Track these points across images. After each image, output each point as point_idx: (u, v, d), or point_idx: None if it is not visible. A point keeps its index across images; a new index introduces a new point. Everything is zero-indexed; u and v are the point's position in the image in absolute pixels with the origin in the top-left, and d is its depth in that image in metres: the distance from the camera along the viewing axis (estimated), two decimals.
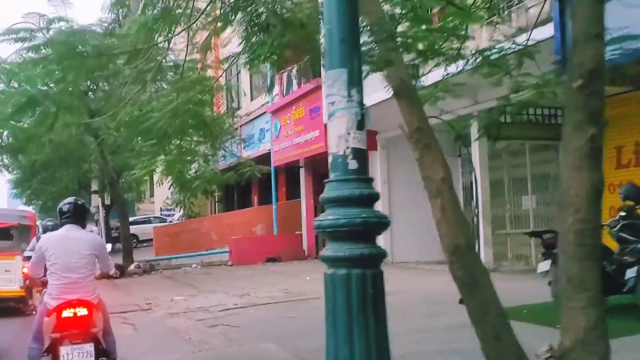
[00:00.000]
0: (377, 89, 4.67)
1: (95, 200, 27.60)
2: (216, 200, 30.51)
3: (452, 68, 5.06)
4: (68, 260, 4.80)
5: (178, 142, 10.94)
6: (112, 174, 17.91)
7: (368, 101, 3.53)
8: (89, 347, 4.62)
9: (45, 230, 8.12)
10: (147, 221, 35.43)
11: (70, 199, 5.18)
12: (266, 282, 13.64)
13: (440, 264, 15.24)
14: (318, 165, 19.28)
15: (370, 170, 16.57)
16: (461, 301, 3.85)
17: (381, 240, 15.40)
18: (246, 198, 30.76)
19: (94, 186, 27.31)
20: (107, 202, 27.98)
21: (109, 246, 5.77)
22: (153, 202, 54.09)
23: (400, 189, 16.54)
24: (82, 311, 4.68)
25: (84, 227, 5.11)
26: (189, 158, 12.78)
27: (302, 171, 20.43)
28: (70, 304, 4.68)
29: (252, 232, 22.20)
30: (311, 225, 20.93)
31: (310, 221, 20.00)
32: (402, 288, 10.10)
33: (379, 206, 16.32)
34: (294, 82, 18.13)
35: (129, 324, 8.95)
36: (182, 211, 36.76)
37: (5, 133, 17.94)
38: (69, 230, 4.95)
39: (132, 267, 17.58)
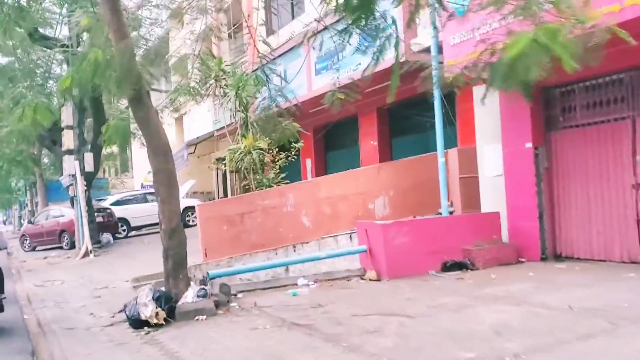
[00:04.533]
0: None
1: (70, 165, 16.91)
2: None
3: None
4: None
5: None
6: (137, 77, 7.22)
7: None
8: None
9: None
10: (138, 199, 24.49)
11: None
12: None
13: None
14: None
15: None
16: None
17: None
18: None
19: (67, 142, 16.65)
20: (89, 167, 17.41)
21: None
22: (132, 178, 43.64)
23: None
24: None
25: None
26: None
27: (483, 89, 10.31)
28: None
29: (368, 212, 12.24)
30: (527, 195, 9.14)
31: (525, 186, 10.00)
32: None
33: None
34: None
35: None
36: (189, 184, 26.27)
37: None
38: None
39: (188, 296, 7.41)
